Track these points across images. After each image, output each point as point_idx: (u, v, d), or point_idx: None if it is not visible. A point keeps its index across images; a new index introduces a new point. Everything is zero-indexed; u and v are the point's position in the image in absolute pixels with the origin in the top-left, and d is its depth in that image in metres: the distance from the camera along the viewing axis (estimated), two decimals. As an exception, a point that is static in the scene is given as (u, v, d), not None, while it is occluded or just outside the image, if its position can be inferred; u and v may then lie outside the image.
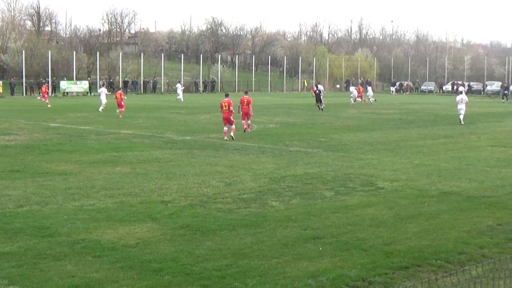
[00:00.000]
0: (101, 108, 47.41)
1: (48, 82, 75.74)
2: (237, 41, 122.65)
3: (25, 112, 45.95)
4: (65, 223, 13.51)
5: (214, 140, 29.38)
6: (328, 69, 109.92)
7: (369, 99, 65.13)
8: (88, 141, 28.81)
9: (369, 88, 69.37)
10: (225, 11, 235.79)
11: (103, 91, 50.68)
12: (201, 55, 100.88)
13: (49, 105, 53.35)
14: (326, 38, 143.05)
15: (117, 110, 43.49)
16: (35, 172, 19.98)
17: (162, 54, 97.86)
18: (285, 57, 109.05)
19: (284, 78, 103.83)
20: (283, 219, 14.12)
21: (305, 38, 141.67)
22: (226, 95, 31.65)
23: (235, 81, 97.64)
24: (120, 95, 44.66)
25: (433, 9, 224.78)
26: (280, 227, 13.38)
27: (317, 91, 52.08)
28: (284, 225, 13.55)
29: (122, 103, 43.64)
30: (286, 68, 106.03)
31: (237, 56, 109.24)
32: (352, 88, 66.71)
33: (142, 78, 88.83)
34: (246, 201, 15.96)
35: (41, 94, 58.43)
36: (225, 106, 29.73)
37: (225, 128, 29.87)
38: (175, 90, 68.10)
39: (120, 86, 70.34)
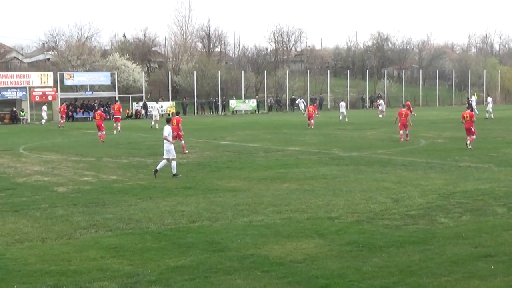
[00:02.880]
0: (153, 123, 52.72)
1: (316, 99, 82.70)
2: (404, 55, 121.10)
3: (197, 131, 47.59)
4: (235, 238, 13.85)
5: (381, 156, 29.11)
6: (499, 81, 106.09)
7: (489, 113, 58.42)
8: (257, 158, 29.41)
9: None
10: (391, 25, 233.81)
11: (154, 106, 59.57)
12: (367, 70, 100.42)
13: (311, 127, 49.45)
14: (497, 49, 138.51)
15: (309, 121, 49.00)
16: (206, 189, 20.65)
17: (328, 70, 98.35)
18: (453, 70, 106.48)
19: (453, 92, 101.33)
20: (453, 236, 13.76)
21: (475, 50, 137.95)
22: (467, 107, 36.84)
23: (402, 96, 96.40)
24: (314, 108, 51.17)
25: None
26: (450, 245, 13.04)
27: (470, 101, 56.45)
28: (454, 243, 13.19)
29: (314, 115, 49.98)
30: (454, 82, 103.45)
31: (403, 70, 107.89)
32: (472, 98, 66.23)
33: (308, 95, 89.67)
34: (414, 218, 15.70)
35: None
36: (467, 117, 32.38)
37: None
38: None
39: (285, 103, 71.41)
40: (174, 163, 23.59)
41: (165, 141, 23.74)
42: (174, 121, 31.52)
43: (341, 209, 16.93)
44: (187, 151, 31.56)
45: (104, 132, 39.69)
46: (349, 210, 16.78)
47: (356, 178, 22.41)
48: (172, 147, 23.71)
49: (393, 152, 30.61)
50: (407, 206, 17.21)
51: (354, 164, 26.48)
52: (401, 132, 36.53)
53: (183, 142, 32.13)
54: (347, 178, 22.46)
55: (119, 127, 48.08)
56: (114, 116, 49.89)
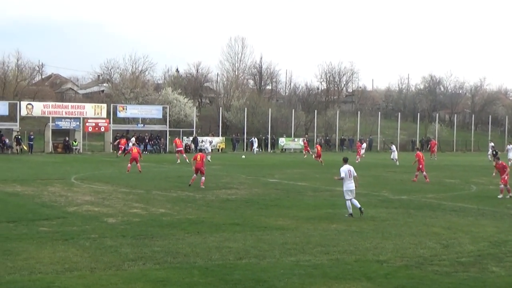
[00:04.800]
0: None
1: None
2: (456, 99, 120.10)
3: (246, 167, 47.70)
4: (282, 277, 13.79)
5: (430, 200, 28.77)
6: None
7: None
8: (305, 197, 29.33)
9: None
10: (443, 68, 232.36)
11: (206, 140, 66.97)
12: (418, 113, 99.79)
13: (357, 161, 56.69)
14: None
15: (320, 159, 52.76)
16: (254, 226, 20.63)
17: (379, 112, 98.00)
18: (506, 116, 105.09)
19: (506, 138, 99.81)
20: (505, 285, 13.49)
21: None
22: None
23: (453, 141, 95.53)
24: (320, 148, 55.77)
25: None
26: (501, 294, 12.80)
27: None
28: (505, 292, 12.95)
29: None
30: (507, 128, 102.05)
31: (455, 115, 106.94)
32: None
33: (358, 136, 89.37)
34: (464, 265, 15.44)
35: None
36: None
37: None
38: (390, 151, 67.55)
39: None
40: (354, 201, 23.30)
41: (346, 181, 23.36)
42: (198, 157, 32.74)
43: (389, 252, 16.75)
44: (203, 187, 31.81)
45: (138, 164, 41.15)
46: (398, 254, 16.59)
47: (405, 222, 22.17)
48: (353, 187, 23.41)
49: (443, 197, 30.25)
50: (458, 252, 16.95)
51: (404, 207, 26.22)
52: (417, 173, 39.02)
53: (203, 178, 32.37)
54: (396, 221, 22.23)
55: (186, 159, 51.12)
56: (177, 149, 54.83)
